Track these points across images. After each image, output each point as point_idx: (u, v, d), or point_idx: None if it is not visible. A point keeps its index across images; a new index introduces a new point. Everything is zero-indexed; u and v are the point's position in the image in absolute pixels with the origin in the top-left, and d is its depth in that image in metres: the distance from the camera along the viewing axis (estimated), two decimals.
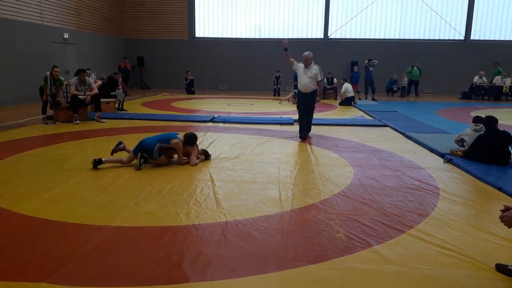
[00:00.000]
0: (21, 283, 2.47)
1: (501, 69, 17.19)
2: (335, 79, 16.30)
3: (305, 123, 7.50)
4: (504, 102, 16.16)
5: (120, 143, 5.54)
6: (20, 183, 4.46)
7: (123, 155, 5.44)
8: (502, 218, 2.51)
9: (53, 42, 13.95)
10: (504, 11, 19.22)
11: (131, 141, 6.70)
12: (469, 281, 2.58)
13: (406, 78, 17.81)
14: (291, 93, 14.64)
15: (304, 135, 7.34)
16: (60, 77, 8.76)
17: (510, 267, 2.64)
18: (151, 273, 2.62)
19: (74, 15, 15.36)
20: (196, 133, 5.64)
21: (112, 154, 5.44)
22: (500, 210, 2.56)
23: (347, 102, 13.67)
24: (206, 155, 5.68)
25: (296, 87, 16.43)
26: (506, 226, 2.50)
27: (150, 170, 5.08)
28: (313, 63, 7.32)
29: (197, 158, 5.50)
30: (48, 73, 8.59)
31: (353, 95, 13.96)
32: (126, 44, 20.31)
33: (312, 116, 7.65)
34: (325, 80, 15.77)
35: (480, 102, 15.80)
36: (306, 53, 7.33)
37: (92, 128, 8.16)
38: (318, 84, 7.36)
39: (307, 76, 7.26)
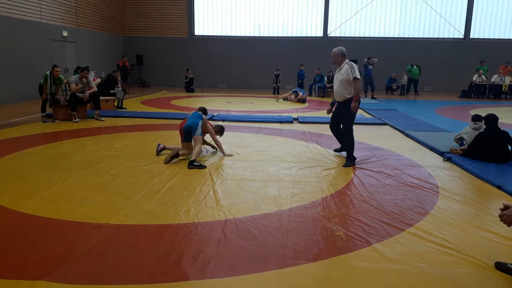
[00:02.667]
0: (20, 281, 2.47)
1: (486, 67, 17.23)
2: None
3: (340, 140, 5.95)
4: (504, 100, 16.16)
5: (159, 144, 5.86)
6: (19, 181, 4.45)
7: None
8: (501, 217, 2.52)
9: (52, 40, 13.91)
10: (503, 9, 19.22)
11: (131, 140, 6.72)
12: (468, 279, 2.59)
13: (405, 77, 17.78)
14: (289, 92, 14.62)
15: (348, 163, 5.42)
16: (60, 76, 8.75)
17: (509, 265, 2.64)
18: (151, 271, 2.61)
19: (73, 13, 15.32)
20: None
21: (157, 155, 5.72)
22: (500, 209, 2.56)
23: None
24: (221, 131, 6.19)
25: (299, 85, 16.48)
26: (506, 225, 2.51)
27: (150, 169, 5.07)
28: (347, 60, 5.47)
29: (216, 141, 5.95)
30: (48, 72, 8.57)
31: None
32: (125, 42, 20.27)
33: (349, 132, 5.57)
34: (326, 79, 15.75)
35: (479, 101, 15.79)
36: (335, 49, 5.55)
37: (91, 126, 8.14)
38: (354, 85, 5.31)
39: (337, 80, 5.50)
